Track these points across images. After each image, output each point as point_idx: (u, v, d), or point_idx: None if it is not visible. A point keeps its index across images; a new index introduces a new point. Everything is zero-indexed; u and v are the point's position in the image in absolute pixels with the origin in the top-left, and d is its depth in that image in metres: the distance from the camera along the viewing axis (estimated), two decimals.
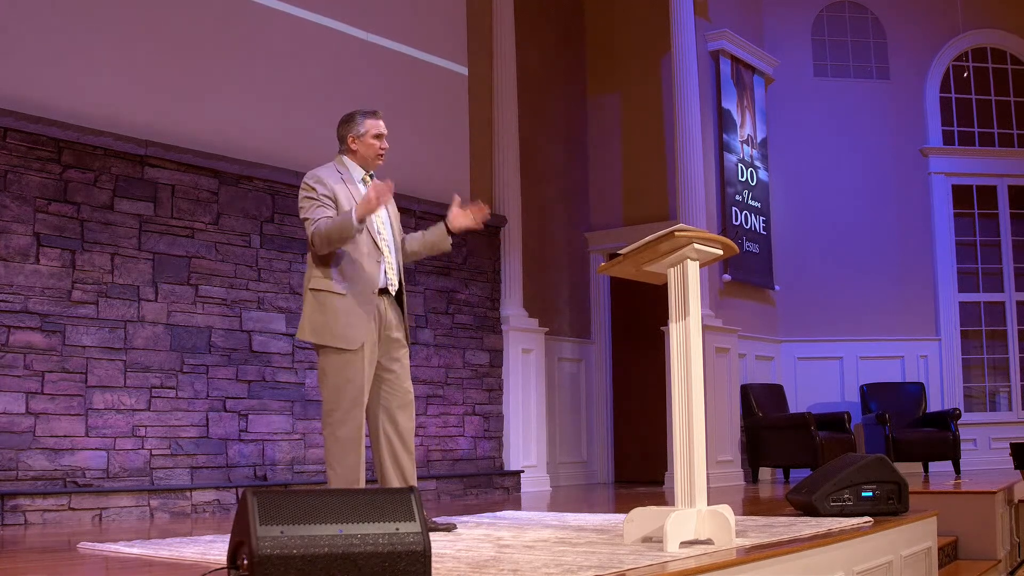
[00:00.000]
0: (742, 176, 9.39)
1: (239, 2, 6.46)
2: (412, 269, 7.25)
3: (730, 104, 9.34)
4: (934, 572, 4.52)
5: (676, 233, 3.27)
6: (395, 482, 3.98)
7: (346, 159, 4.11)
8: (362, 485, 3.92)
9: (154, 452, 5.63)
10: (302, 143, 6.67)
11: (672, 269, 3.38)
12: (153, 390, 5.67)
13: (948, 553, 5.17)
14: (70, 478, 5.26)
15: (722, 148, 9.17)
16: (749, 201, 9.45)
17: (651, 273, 3.49)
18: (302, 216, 3.95)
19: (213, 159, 6.07)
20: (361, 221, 3.75)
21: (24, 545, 3.98)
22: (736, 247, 3.54)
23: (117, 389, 5.51)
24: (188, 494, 5.60)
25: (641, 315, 9.05)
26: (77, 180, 5.49)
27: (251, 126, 6.42)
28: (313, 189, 3.94)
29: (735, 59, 9.47)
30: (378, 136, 4.06)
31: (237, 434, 6.04)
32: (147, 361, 5.65)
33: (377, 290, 3.94)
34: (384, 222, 4.08)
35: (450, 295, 7.58)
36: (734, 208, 9.20)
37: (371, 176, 4.12)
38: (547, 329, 8.48)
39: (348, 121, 4.11)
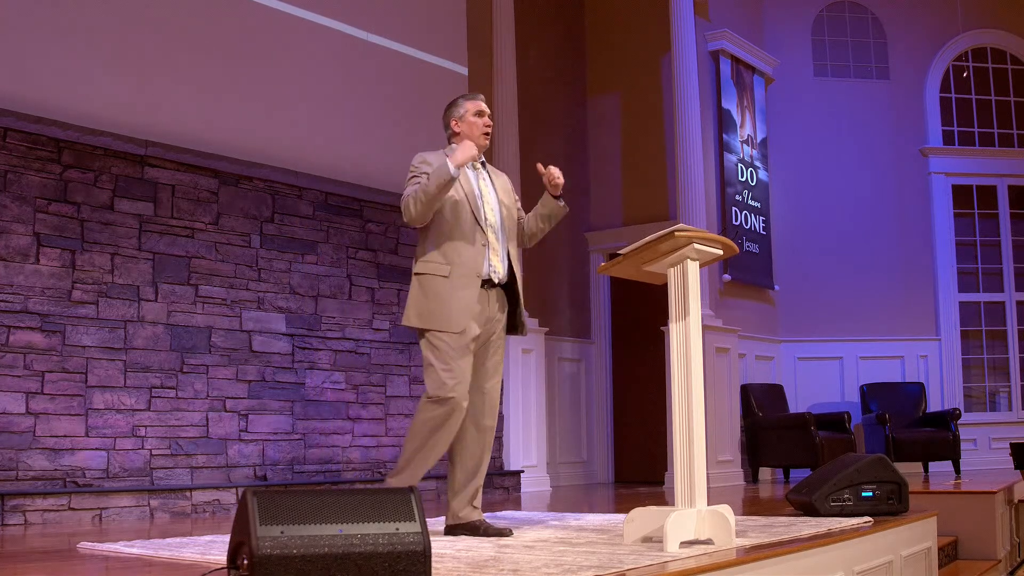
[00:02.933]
0: (742, 176, 9.39)
1: (239, 2, 6.46)
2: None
3: (730, 104, 9.34)
4: (934, 572, 4.52)
5: (676, 233, 3.27)
6: (457, 471, 3.84)
7: (454, 145, 3.95)
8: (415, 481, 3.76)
9: (154, 452, 5.63)
10: (302, 143, 6.67)
11: (672, 269, 3.38)
12: (153, 390, 5.67)
13: (948, 553, 5.18)
14: (70, 478, 5.26)
15: (722, 148, 9.18)
16: (749, 201, 9.45)
17: (651, 273, 3.49)
18: (405, 192, 3.81)
19: (213, 159, 6.07)
20: (458, 168, 3.65)
21: (24, 545, 3.98)
22: (736, 247, 3.54)
23: (117, 389, 5.51)
24: (188, 494, 5.60)
25: (641, 315, 9.05)
26: (77, 180, 5.49)
27: (251, 126, 6.42)
28: (420, 169, 3.80)
29: (735, 59, 9.47)
30: (479, 113, 3.94)
31: (237, 434, 6.03)
32: (147, 361, 5.65)
33: (481, 278, 3.78)
34: (493, 208, 3.91)
35: None
36: (734, 208, 9.20)
37: (482, 163, 4.01)
38: (547, 329, 8.48)
39: (450, 107, 4.01)
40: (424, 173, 3.78)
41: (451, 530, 3.86)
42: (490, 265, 3.83)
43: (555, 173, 3.93)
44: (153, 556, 3.36)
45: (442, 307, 3.73)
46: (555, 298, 9.10)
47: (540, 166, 3.94)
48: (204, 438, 5.86)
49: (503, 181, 4.09)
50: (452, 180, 3.68)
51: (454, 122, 3.99)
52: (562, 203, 4.02)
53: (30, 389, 5.15)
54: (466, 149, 3.71)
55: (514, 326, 3.96)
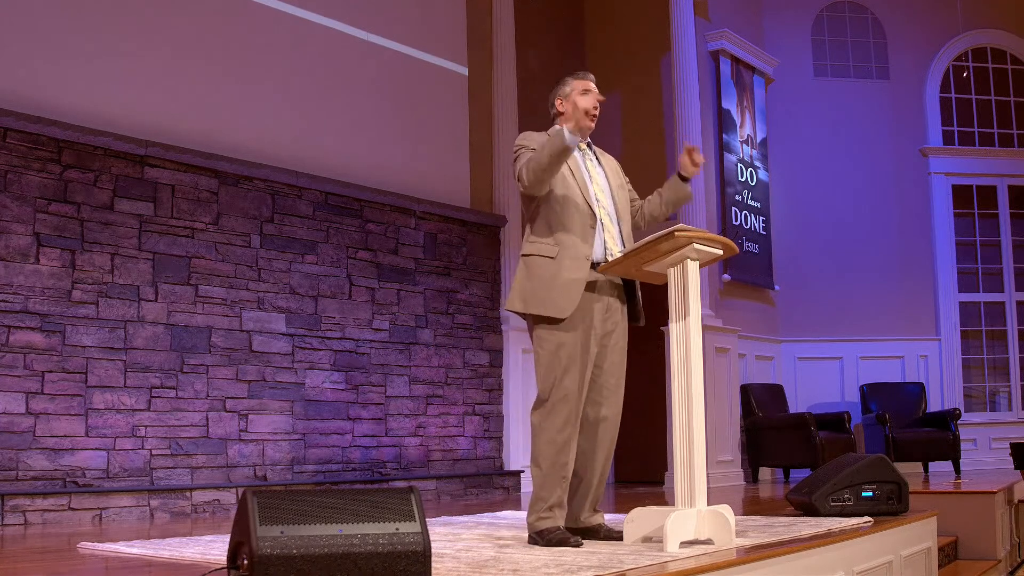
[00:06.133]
0: (742, 176, 9.39)
1: (239, 2, 6.46)
2: (413, 269, 7.25)
3: (730, 104, 9.34)
4: (934, 572, 4.51)
5: (676, 233, 3.27)
6: (580, 503, 3.56)
7: (557, 126, 3.70)
8: (565, 486, 3.49)
9: (154, 452, 5.63)
10: (302, 143, 6.67)
11: (672, 269, 3.38)
12: (153, 390, 5.67)
13: (948, 553, 5.17)
14: (70, 478, 5.26)
15: (722, 148, 9.17)
16: (749, 201, 9.45)
17: (651, 273, 3.49)
18: (516, 168, 3.65)
19: (213, 159, 6.07)
20: (572, 133, 3.41)
21: (24, 545, 3.98)
22: (736, 247, 3.54)
23: (117, 389, 5.51)
24: (188, 494, 5.60)
25: None
26: (77, 180, 5.49)
27: (251, 126, 6.42)
28: (525, 145, 3.67)
29: (735, 59, 9.46)
30: (585, 92, 3.71)
31: (237, 434, 6.03)
32: (147, 361, 5.65)
33: (591, 261, 3.55)
34: (603, 189, 3.71)
35: (450, 295, 7.58)
36: (734, 208, 9.20)
37: (588, 145, 3.84)
38: None
39: (556, 85, 3.84)
40: (531, 148, 3.61)
41: (571, 532, 3.52)
42: (606, 248, 3.61)
43: (699, 159, 3.76)
44: (153, 556, 3.36)
45: (547, 290, 3.50)
46: None
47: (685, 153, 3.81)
48: (204, 438, 5.86)
49: (611, 162, 3.93)
50: (568, 150, 3.46)
51: (559, 101, 3.80)
52: (690, 188, 3.89)
53: (30, 389, 5.15)
54: (580, 118, 3.47)
55: (634, 315, 3.75)
